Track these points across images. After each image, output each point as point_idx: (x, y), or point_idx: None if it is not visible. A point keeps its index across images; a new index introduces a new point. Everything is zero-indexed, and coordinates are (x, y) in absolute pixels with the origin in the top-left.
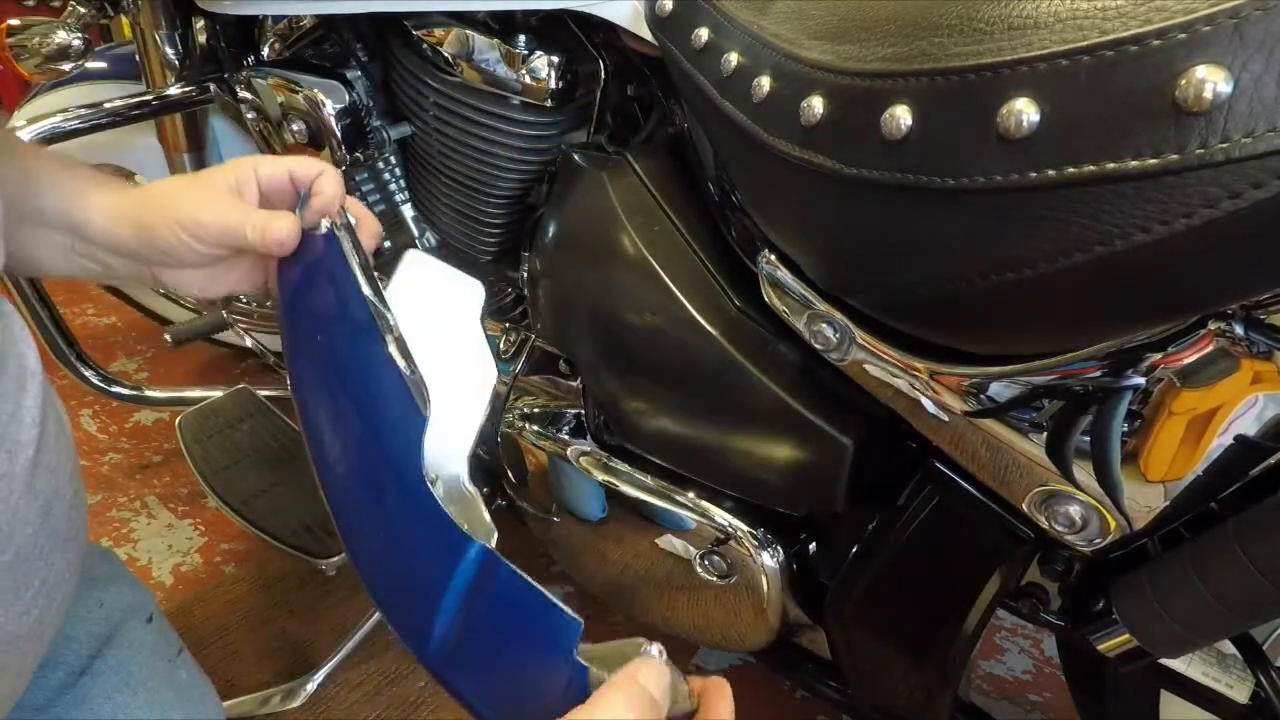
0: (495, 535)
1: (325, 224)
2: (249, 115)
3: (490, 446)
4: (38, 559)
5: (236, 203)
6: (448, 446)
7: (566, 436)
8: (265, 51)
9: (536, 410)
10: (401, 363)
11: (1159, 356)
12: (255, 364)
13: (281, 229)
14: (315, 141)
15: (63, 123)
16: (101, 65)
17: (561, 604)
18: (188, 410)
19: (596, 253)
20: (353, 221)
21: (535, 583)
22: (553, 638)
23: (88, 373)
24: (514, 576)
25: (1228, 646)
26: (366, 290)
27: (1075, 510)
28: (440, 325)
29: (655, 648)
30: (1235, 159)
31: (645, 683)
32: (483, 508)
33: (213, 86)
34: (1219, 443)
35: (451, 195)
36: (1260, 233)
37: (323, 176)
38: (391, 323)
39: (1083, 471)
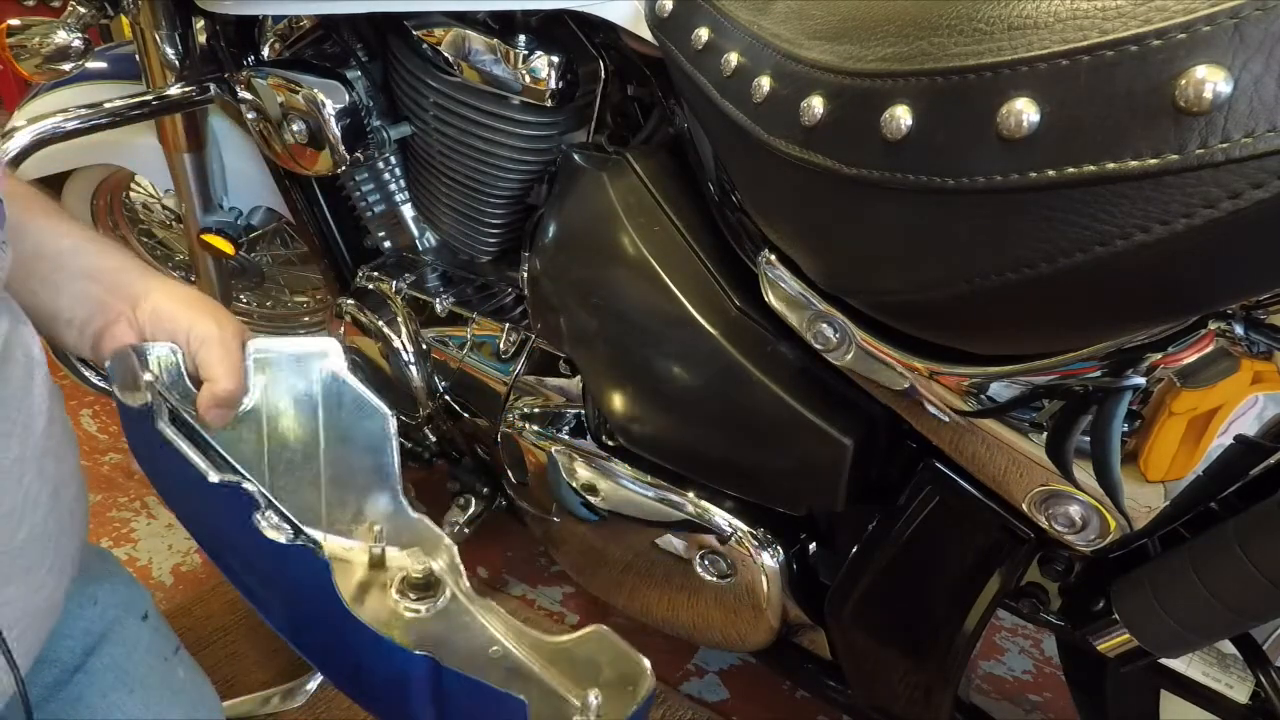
0: (455, 548)
1: (145, 397)
2: (249, 115)
3: (490, 446)
4: (47, 540)
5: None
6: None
7: (566, 436)
8: (265, 51)
9: (536, 410)
10: (275, 533)
11: (1159, 356)
12: None
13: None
14: (315, 141)
15: (63, 123)
16: (101, 65)
17: (505, 690)
18: None
19: (596, 253)
20: (189, 391)
21: (477, 678)
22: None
23: (88, 373)
24: (458, 676)
25: (1228, 646)
26: (213, 477)
27: (1075, 510)
28: (314, 401)
29: None
30: (1235, 159)
31: None
32: (431, 524)
33: (213, 86)
34: (1219, 443)
35: (451, 195)
36: (1260, 233)
37: (205, 346)
38: (254, 493)
39: (1083, 471)
